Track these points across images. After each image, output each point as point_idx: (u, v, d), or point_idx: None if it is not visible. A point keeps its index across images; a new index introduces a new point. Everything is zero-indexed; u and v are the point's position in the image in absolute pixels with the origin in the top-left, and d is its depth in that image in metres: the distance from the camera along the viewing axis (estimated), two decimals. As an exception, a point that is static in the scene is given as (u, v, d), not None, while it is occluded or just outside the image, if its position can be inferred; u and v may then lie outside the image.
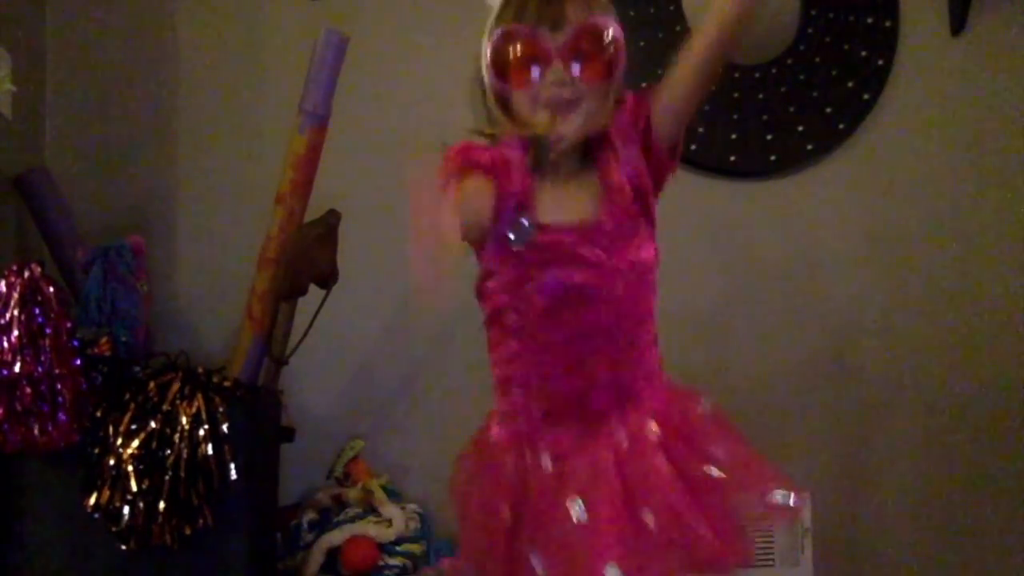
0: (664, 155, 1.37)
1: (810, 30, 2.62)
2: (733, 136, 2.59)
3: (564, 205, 1.34)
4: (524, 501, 1.34)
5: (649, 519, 1.26)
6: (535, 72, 1.28)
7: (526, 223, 1.29)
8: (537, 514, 1.32)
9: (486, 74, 1.33)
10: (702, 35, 1.33)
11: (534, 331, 1.34)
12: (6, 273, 1.78)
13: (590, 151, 1.35)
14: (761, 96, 2.60)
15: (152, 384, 1.88)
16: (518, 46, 1.29)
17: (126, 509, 1.81)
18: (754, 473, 1.32)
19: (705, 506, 1.28)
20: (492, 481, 1.38)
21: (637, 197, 1.34)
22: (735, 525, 1.30)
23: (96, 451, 1.83)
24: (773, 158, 2.61)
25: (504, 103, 1.33)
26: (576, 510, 1.27)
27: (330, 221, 2.09)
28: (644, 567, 1.24)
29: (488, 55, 1.31)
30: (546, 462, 1.34)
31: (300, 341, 2.16)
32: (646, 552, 1.25)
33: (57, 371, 1.76)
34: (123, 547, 1.82)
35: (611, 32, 1.30)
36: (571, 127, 1.30)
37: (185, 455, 1.82)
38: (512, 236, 1.30)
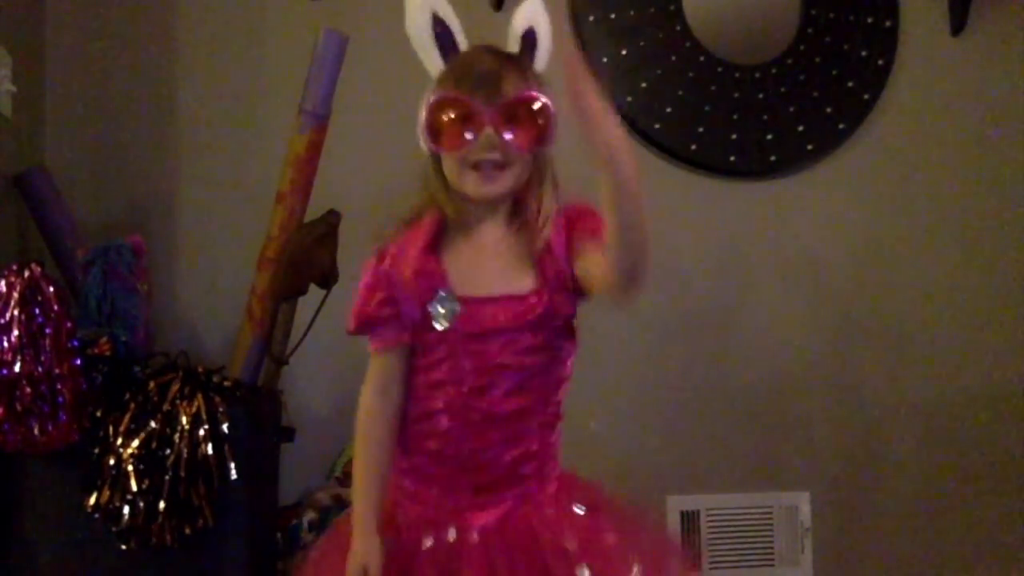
0: (575, 292, 1.39)
1: (810, 30, 2.62)
2: (733, 136, 2.59)
3: (488, 278, 1.37)
4: None
5: None
6: (467, 136, 1.33)
7: (447, 300, 1.34)
8: None
9: (420, 137, 1.39)
10: (607, 264, 1.29)
11: (474, 405, 1.35)
12: (6, 273, 1.78)
13: (524, 240, 1.38)
14: (761, 96, 2.60)
15: (152, 384, 1.88)
16: (452, 111, 1.35)
17: (126, 509, 1.81)
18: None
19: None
20: (406, 564, 1.35)
21: (568, 299, 1.38)
22: None
23: (96, 451, 1.83)
24: (773, 158, 2.61)
25: (437, 166, 1.39)
26: None
27: (330, 221, 2.09)
28: None
29: (424, 118, 1.37)
30: (472, 537, 1.34)
31: (300, 341, 2.16)
32: None
33: (57, 371, 1.76)
34: (123, 547, 1.82)
35: (543, 104, 1.34)
36: (497, 188, 1.35)
37: (185, 455, 1.82)
38: (435, 314, 1.35)
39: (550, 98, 1.35)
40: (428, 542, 1.35)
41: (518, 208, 1.38)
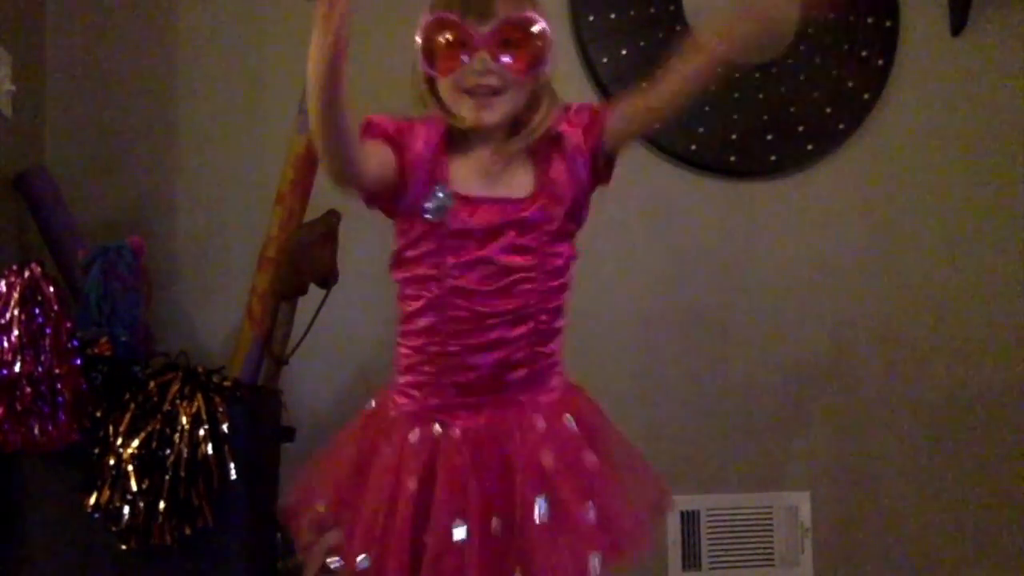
0: (602, 169, 1.42)
1: (810, 30, 2.62)
2: (733, 136, 2.59)
3: (489, 181, 1.37)
4: (431, 475, 1.34)
5: (591, 512, 1.33)
6: (462, 59, 1.32)
7: (441, 194, 1.33)
8: (456, 491, 1.33)
9: (416, 58, 1.37)
10: (660, 93, 1.40)
11: (456, 304, 1.35)
12: (6, 273, 1.78)
13: (528, 143, 1.39)
14: (761, 96, 2.60)
15: (152, 384, 1.87)
16: (446, 33, 1.33)
17: (126, 509, 1.80)
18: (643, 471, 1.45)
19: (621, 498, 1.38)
20: (395, 455, 1.37)
21: (572, 204, 1.39)
22: (639, 516, 1.41)
23: (96, 451, 1.83)
24: (773, 158, 2.61)
25: (432, 87, 1.37)
26: (540, 509, 1.30)
27: (330, 221, 2.09)
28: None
29: (418, 40, 1.35)
30: (455, 432, 1.36)
31: (300, 341, 2.16)
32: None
33: (57, 371, 1.76)
34: (123, 547, 1.82)
35: (538, 26, 1.33)
36: (493, 115, 1.34)
37: (185, 455, 1.82)
38: (428, 206, 1.33)
39: (544, 18, 1.34)
40: (414, 436, 1.37)
41: (517, 129, 1.38)
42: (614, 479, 1.39)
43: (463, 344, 1.36)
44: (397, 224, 1.41)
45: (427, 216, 1.34)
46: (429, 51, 1.35)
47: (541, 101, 1.38)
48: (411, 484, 1.34)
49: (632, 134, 1.45)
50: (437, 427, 1.37)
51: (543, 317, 1.38)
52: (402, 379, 1.44)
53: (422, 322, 1.38)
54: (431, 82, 1.37)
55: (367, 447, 1.42)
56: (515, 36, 1.32)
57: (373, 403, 1.49)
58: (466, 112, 1.34)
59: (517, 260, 1.35)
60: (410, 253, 1.39)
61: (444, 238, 1.35)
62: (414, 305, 1.39)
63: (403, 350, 1.44)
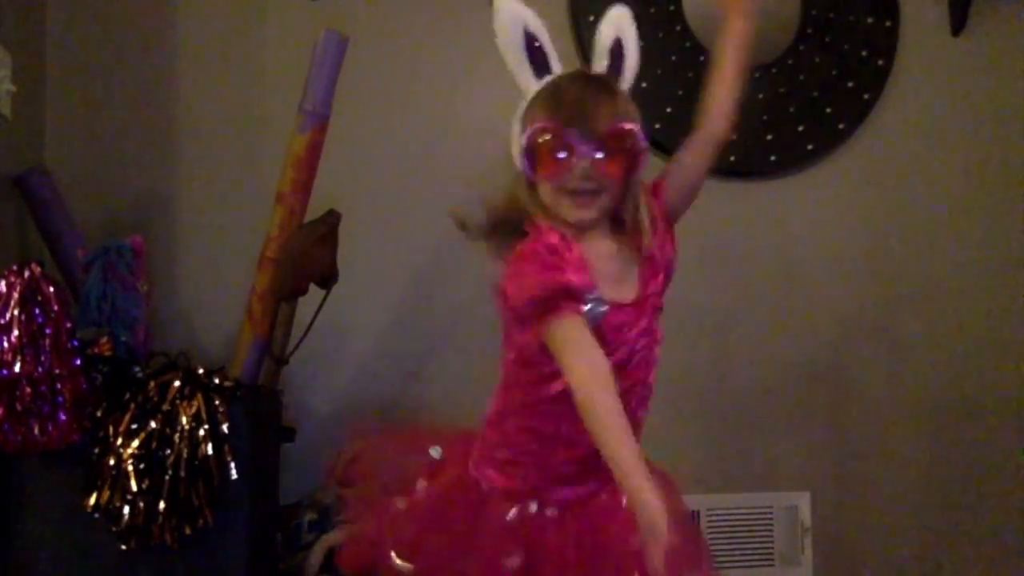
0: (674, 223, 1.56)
1: (810, 30, 2.62)
2: (733, 136, 2.58)
3: (615, 283, 1.44)
4: (530, 555, 1.40)
5: None
6: (564, 166, 1.40)
7: (593, 303, 1.39)
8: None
9: (518, 160, 1.45)
10: (709, 133, 1.57)
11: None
12: (6, 273, 1.78)
13: (620, 227, 1.48)
14: (761, 96, 2.60)
15: (152, 384, 1.87)
16: (552, 142, 1.41)
17: (126, 509, 1.81)
18: None
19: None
20: (493, 533, 1.42)
21: (667, 276, 1.50)
22: None
23: (96, 451, 1.83)
24: (773, 158, 2.61)
25: (531, 187, 1.45)
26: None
27: (330, 221, 2.09)
28: None
29: (523, 144, 1.43)
30: (552, 512, 1.43)
31: (300, 341, 2.16)
32: None
33: (57, 371, 1.76)
34: (123, 547, 1.82)
35: (636, 135, 1.43)
36: (592, 213, 1.43)
37: (185, 455, 1.82)
38: (586, 311, 1.38)
39: (639, 124, 1.44)
40: (512, 513, 1.42)
41: (616, 219, 1.47)
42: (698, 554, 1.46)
43: (576, 430, 1.37)
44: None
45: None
46: (532, 155, 1.42)
47: (636, 194, 1.47)
48: (513, 562, 1.39)
49: (700, 179, 1.58)
50: (533, 505, 1.44)
51: (649, 382, 1.49)
52: (499, 456, 1.48)
53: (550, 406, 1.42)
54: (530, 184, 1.45)
55: (457, 516, 1.46)
56: (614, 145, 1.41)
57: (438, 454, 1.52)
58: (566, 212, 1.42)
59: (642, 343, 1.45)
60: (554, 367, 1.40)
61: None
62: (546, 390, 1.41)
63: (500, 434, 1.48)
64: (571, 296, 1.35)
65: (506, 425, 1.48)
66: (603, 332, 1.38)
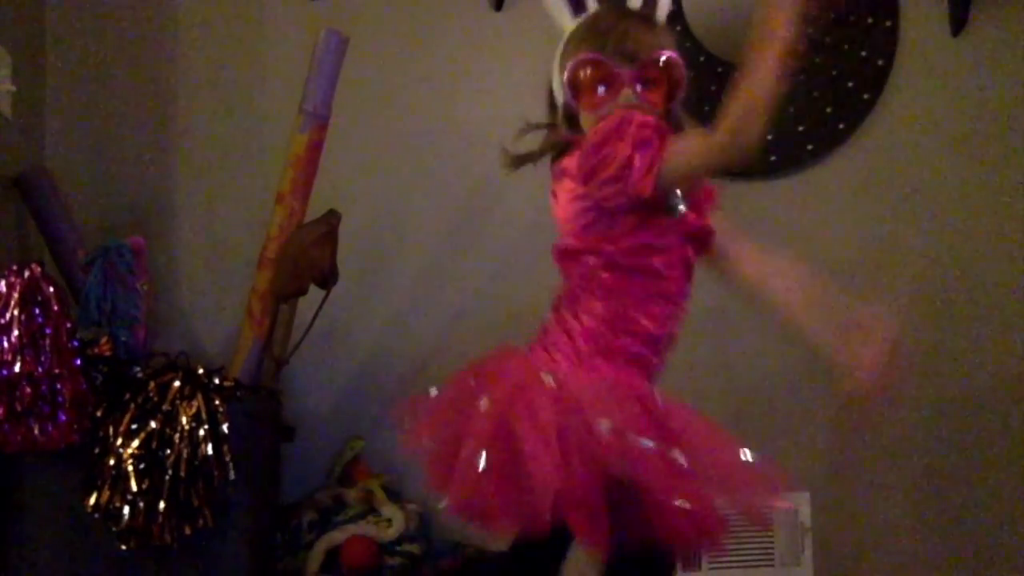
0: None
1: (810, 30, 2.62)
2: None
3: None
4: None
5: None
6: (606, 95, 1.45)
7: (679, 198, 1.46)
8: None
9: (559, 91, 1.49)
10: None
11: (682, 290, 1.55)
12: (6, 273, 1.78)
13: None
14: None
15: (152, 384, 1.88)
16: (594, 72, 1.45)
17: (126, 509, 1.81)
18: None
19: None
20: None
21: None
22: None
23: (96, 451, 1.83)
24: (773, 158, 2.61)
25: (572, 119, 1.49)
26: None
27: (330, 221, 2.09)
28: None
29: (566, 76, 1.47)
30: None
31: (300, 341, 2.16)
32: None
33: (57, 371, 1.76)
34: (123, 547, 1.82)
35: (676, 63, 1.48)
36: None
37: (185, 455, 1.82)
38: (677, 205, 1.46)
39: (676, 48, 1.48)
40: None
41: None
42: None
43: (674, 328, 1.55)
44: (632, 218, 1.46)
45: (673, 213, 1.47)
46: (575, 86, 1.47)
47: (675, 124, 1.49)
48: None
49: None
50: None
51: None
52: (613, 350, 1.48)
53: (661, 311, 1.51)
54: (572, 115, 1.50)
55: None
56: (655, 72, 1.46)
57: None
58: None
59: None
60: (657, 258, 1.49)
61: (676, 240, 1.49)
62: (656, 289, 1.49)
63: (620, 335, 1.48)
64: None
65: (624, 316, 1.48)
66: (679, 227, 1.48)
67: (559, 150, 1.52)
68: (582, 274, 1.48)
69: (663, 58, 1.46)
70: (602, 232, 1.45)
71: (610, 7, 1.54)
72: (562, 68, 1.48)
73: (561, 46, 1.51)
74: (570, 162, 1.46)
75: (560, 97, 1.50)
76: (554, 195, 1.52)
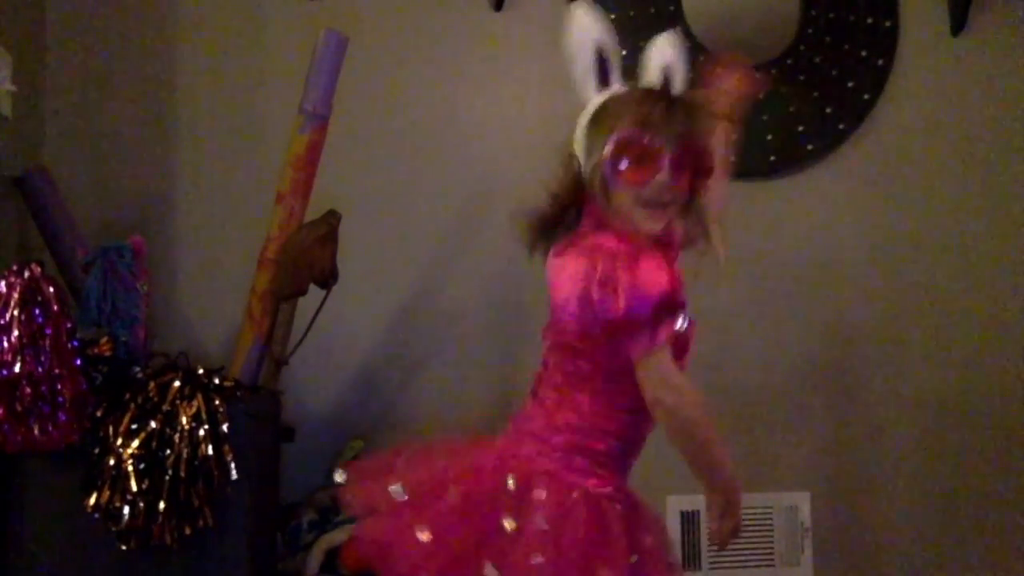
0: None
1: (810, 30, 2.62)
2: (733, 136, 2.59)
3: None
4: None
5: None
6: (646, 177, 1.46)
7: (686, 324, 1.49)
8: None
9: (587, 162, 1.49)
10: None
11: None
12: (6, 273, 1.78)
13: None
14: (761, 96, 2.59)
15: (152, 384, 1.88)
16: (635, 152, 1.46)
17: (126, 509, 1.80)
18: None
19: None
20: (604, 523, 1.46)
21: None
22: None
23: (96, 451, 1.83)
24: (773, 158, 2.61)
25: (606, 190, 1.48)
26: None
27: (330, 221, 2.09)
28: None
29: (610, 150, 1.46)
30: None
31: (300, 341, 2.16)
32: None
33: (57, 371, 1.76)
34: (123, 547, 1.82)
35: (708, 152, 1.51)
36: (659, 224, 1.49)
37: (185, 455, 1.82)
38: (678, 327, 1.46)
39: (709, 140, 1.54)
40: (617, 507, 1.48)
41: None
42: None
43: (646, 432, 1.55)
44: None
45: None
46: (617, 161, 1.46)
47: (702, 211, 1.54)
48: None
49: None
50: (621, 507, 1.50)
51: None
52: (589, 463, 1.49)
53: (638, 417, 1.50)
54: (606, 187, 1.49)
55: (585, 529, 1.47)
56: (689, 160, 1.48)
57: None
58: (641, 220, 1.47)
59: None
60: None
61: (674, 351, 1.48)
62: (638, 403, 1.46)
63: (605, 439, 1.50)
64: (679, 309, 1.43)
65: (609, 416, 1.49)
66: (680, 346, 1.48)
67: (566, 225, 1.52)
68: (575, 372, 1.49)
69: (699, 147, 1.49)
70: (605, 343, 1.45)
71: (659, 91, 1.55)
72: (593, 136, 1.49)
73: (589, 114, 1.51)
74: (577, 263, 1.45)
75: (583, 162, 1.50)
76: (553, 279, 1.51)
